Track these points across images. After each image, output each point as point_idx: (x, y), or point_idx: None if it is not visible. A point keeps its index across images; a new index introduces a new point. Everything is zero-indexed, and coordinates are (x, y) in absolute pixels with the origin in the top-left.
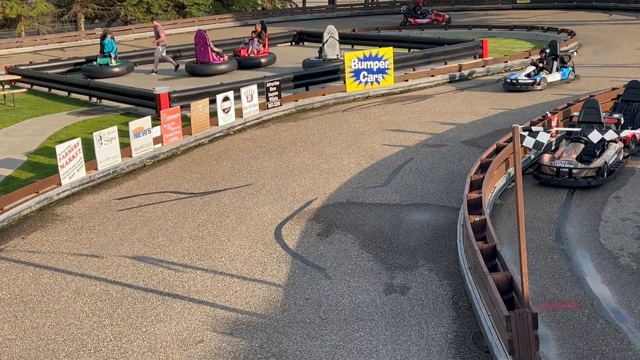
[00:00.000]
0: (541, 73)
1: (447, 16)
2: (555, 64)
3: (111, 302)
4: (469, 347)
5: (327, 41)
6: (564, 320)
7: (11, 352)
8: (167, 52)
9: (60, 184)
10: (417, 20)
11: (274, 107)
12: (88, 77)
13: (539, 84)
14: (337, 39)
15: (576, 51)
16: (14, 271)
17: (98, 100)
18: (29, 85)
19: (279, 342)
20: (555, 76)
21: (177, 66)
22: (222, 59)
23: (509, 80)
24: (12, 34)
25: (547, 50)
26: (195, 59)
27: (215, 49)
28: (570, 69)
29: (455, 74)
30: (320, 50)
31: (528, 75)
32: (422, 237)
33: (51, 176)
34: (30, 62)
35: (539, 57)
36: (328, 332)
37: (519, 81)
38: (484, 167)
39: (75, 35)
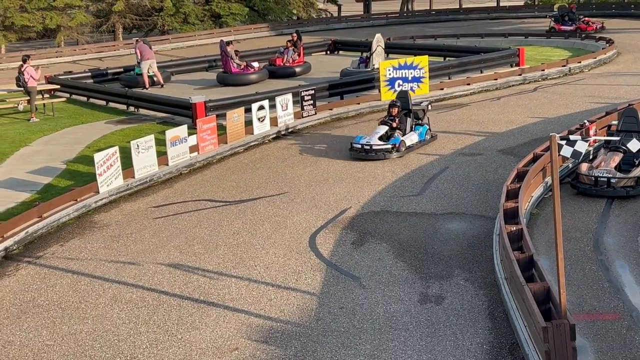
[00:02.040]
0: (396, 134)
1: (599, 24)
2: (409, 121)
3: (147, 309)
4: (505, 358)
5: (375, 50)
6: (602, 332)
7: (49, 358)
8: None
9: (98, 192)
10: (561, 27)
11: (308, 115)
12: (126, 86)
13: (398, 150)
14: (384, 47)
15: (430, 104)
16: (52, 278)
17: (135, 109)
18: (67, 95)
19: (313, 351)
20: (412, 137)
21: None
22: (251, 69)
23: (358, 146)
24: (51, 44)
25: (398, 104)
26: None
27: (237, 61)
28: (427, 126)
29: (491, 82)
30: (365, 60)
31: (381, 137)
32: (458, 247)
33: (89, 184)
34: (70, 72)
35: (391, 114)
36: (362, 341)
37: (373, 147)
38: (520, 176)
39: (114, 45)
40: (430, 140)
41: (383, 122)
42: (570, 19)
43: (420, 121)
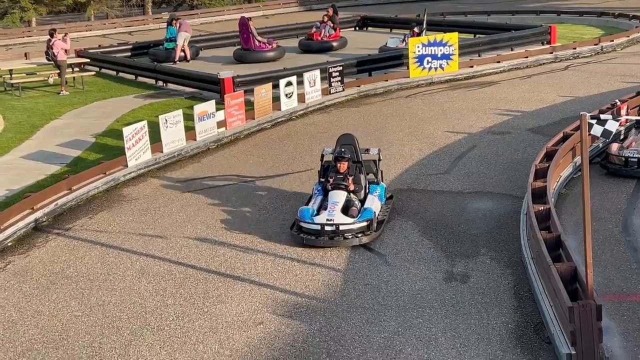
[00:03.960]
0: (356, 201)
1: None
2: (363, 179)
3: (174, 282)
4: (530, 338)
5: (425, 27)
6: (629, 313)
7: (77, 328)
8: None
9: (126, 166)
10: None
11: (336, 92)
12: (155, 61)
13: (345, 237)
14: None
15: (380, 152)
16: (81, 250)
17: (164, 84)
18: (97, 69)
19: (337, 327)
20: (374, 204)
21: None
22: (270, 46)
23: (313, 227)
24: (82, 17)
25: (347, 156)
26: (240, 46)
27: (259, 37)
28: (384, 185)
29: (521, 60)
30: (413, 35)
31: (343, 209)
32: (484, 226)
33: (118, 158)
34: (99, 46)
35: (339, 172)
36: (387, 318)
37: (340, 228)
38: (549, 156)
39: (143, 20)
40: (387, 208)
41: (336, 186)
42: None
43: (374, 178)
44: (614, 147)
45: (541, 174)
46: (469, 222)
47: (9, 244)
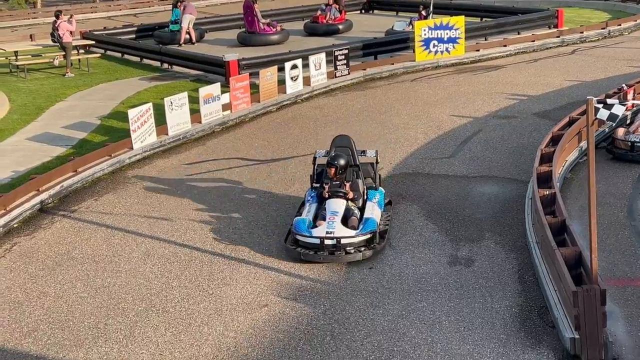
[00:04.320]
0: (355, 210)
1: None
2: (361, 184)
3: (179, 265)
4: (534, 322)
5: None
6: (633, 298)
7: (83, 309)
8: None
9: (132, 148)
10: None
11: (342, 75)
12: (160, 43)
13: (347, 251)
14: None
15: (377, 153)
16: (86, 231)
17: (169, 67)
18: (102, 51)
19: (342, 310)
20: (374, 212)
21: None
22: (274, 29)
23: (312, 241)
24: None
25: (337, 163)
26: (244, 28)
27: (263, 20)
28: (382, 190)
29: (528, 44)
30: (420, 18)
31: (342, 220)
32: (489, 210)
33: (123, 140)
34: (104, 28)
35: (332, 179)
36: (391, 301)
37: (341, 242)
38: (555, 140)
39: (148, 2)
40: (387, 216)
41: (333, 194)
42: None
43: (372, 182)
44: (620, 131)
45: (547, 159)
46: (474, 206)
47: (15, 226)
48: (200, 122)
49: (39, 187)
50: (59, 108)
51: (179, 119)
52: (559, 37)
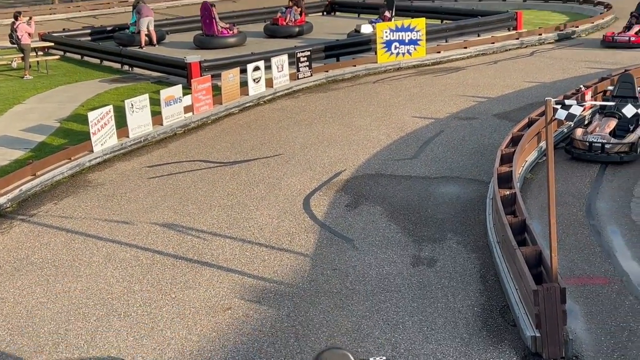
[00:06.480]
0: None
1: None
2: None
3: (141, 268)
4: (495, 320)
5: (394, 11)
6: (592, 296)
7: (43, 315)
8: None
9: (92, 151)
10: None
11: (304, 77)
12: (120, 45)
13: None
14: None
15: None
16: (46, 236)
17: (130, 68)
18: (61, 53)
19: (305, 311)
20: None
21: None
22: (231, 32)
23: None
24: (45, 0)
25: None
26: (201, 31)
27: (221, 23)
28: None
29: (488, 46)
30: (382, 20)
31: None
32: (451, 210)
33: (83, 143)
34: (64, 29)
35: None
36: (355, 302)
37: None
38: (515, 141)
39: (108, 3)
40: None
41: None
42: None
43: None
44: (579, 132)
45: (507, 159)
46: (436, 206)
47: None
48: (161, 124)
49: None
50: (17, 111)
51: (140, 121)
52: (518, 39)
